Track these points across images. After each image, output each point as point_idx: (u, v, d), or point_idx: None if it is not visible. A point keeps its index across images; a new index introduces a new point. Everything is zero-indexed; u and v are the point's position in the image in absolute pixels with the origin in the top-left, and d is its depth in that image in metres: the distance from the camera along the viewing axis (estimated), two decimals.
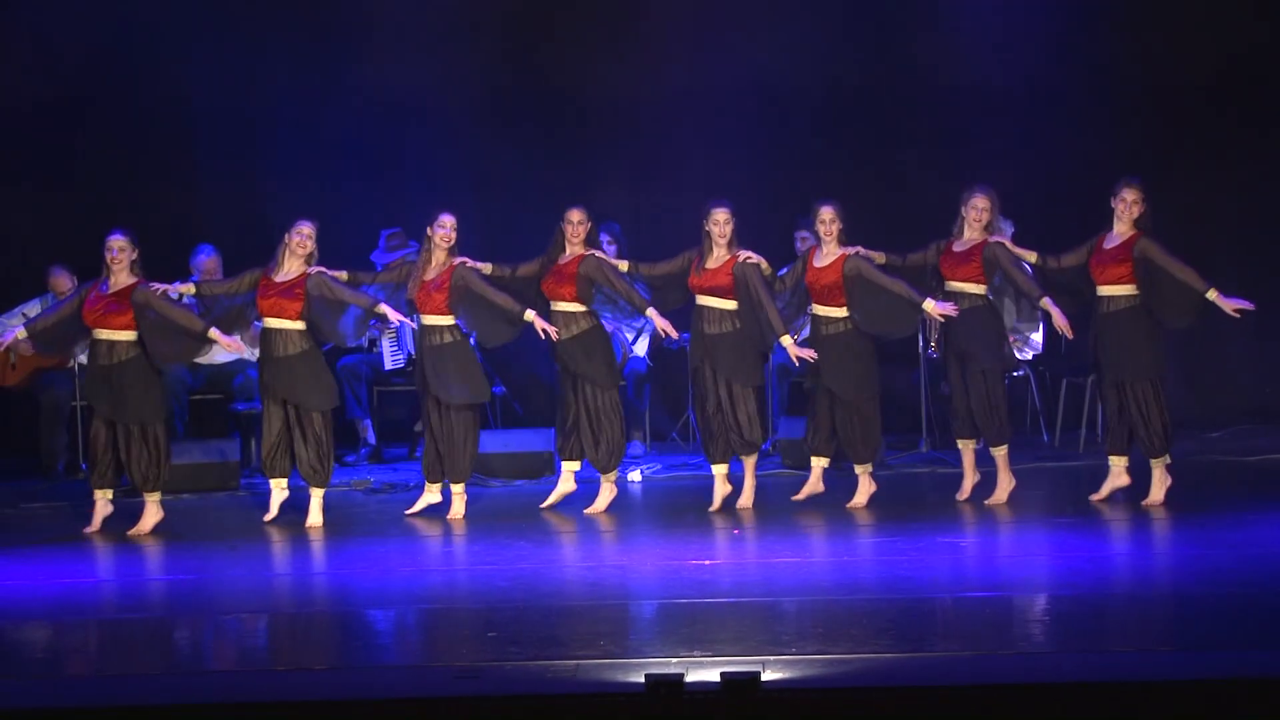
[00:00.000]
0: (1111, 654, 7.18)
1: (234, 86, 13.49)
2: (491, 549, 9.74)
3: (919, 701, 6.49)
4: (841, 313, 10.40)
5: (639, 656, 7.06)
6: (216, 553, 9.91)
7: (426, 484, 10.73)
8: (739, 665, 6.72)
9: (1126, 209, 10.10)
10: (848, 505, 10.48)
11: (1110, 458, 10.39)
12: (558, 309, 10.59)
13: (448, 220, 10.58)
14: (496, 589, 8.64)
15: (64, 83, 13.47)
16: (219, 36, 13.43)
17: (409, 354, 12.10)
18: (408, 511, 10.73)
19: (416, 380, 10.76)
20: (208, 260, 12.41)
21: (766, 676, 6.61)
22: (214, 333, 10.35)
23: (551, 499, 10.79)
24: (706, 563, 9.17)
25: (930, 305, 10.20)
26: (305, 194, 13.23)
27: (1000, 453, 10.49)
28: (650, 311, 10.42)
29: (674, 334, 10.51)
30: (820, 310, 10.48)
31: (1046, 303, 10.16)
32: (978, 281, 10.32)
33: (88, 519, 10.51)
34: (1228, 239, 13.31)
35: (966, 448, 10.59)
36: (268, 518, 10.57)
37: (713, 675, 6.56)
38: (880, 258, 10.40)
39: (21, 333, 10.56)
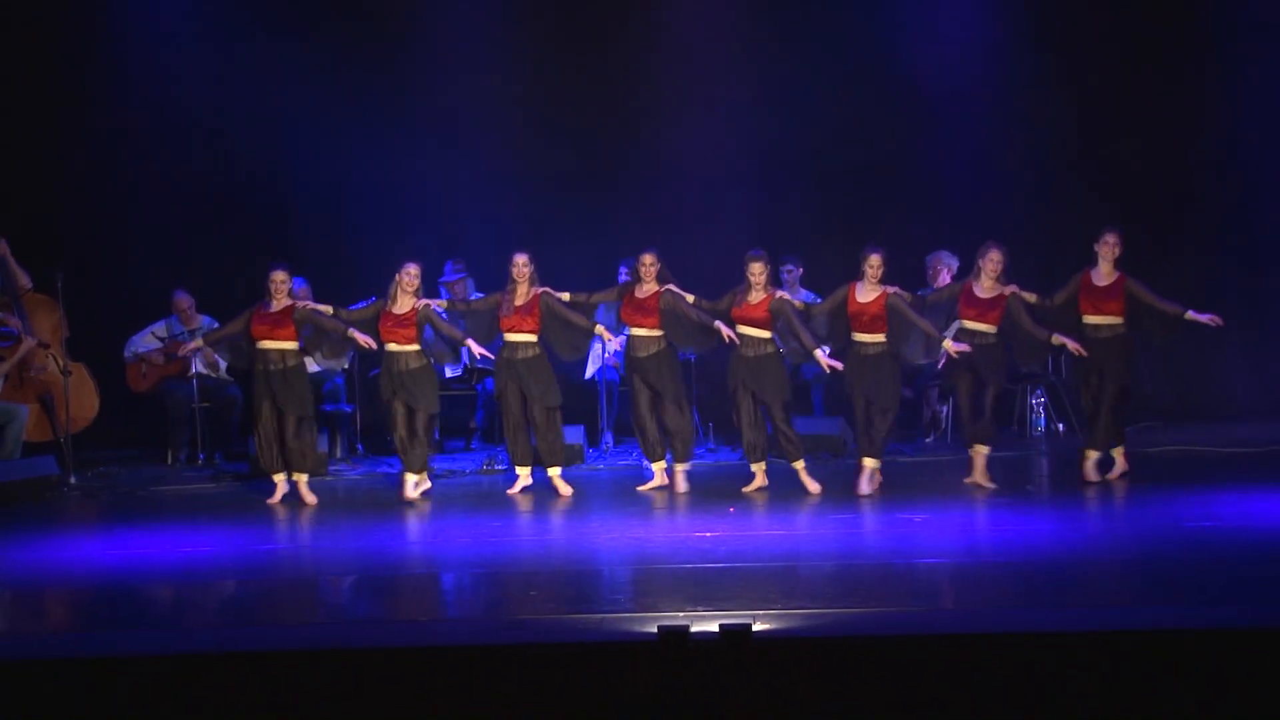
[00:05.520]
0: (1039, 610, 7.18)
1: (325, 150, 13.46)
2: (532, 522, 9.74)
3: (882, 648, 6.51)
4: (882, 338, 10.41)
5: (652, 611, 7.07)
6: (309, 526, 9.92)
7: (519, 469, 10.79)
8: (734, 618, 6.72)
9: (1111, 250, 10.37)
10: (860, 492, 10.36)
11: (1111, 451, 10.53)
12: (639, 334, 10.60)
13: (520, 259, 10.64)
14: (536, 555, 8.65)
15: (194, 148, 13.53)
16: (315, 111, 13.42)
17: (465, 365, 12.11)
18: (510, 491, 10.75)
19: (497, 384, 10.72)
20: (300, 290, 12.37)
21: (757, 628, 6.63)
22: (353, 332, 10.48)
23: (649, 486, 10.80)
24: (708, 534, 9.15)
25: (948, 344, 10.28)
26: (383, 234, 13.26)
27: (984, 450, 10.48)
28: (717, 324, 10.38)
29: (735, 338, 10.43)
30: (863, 337, 10.45)
31: (1058, 338, 10.28)
32: (997, 325, 10.39)
33: (207, 500, 10.59)
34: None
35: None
36: (412, 495, 10.58)
37: (713, 627, 6.58)
38: (908, 296, 10.46)
39: (199, 341, 10.69)
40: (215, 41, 13.45)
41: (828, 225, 13.24)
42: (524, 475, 10.77)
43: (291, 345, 10.52)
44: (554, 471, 10.66)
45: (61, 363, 12.01)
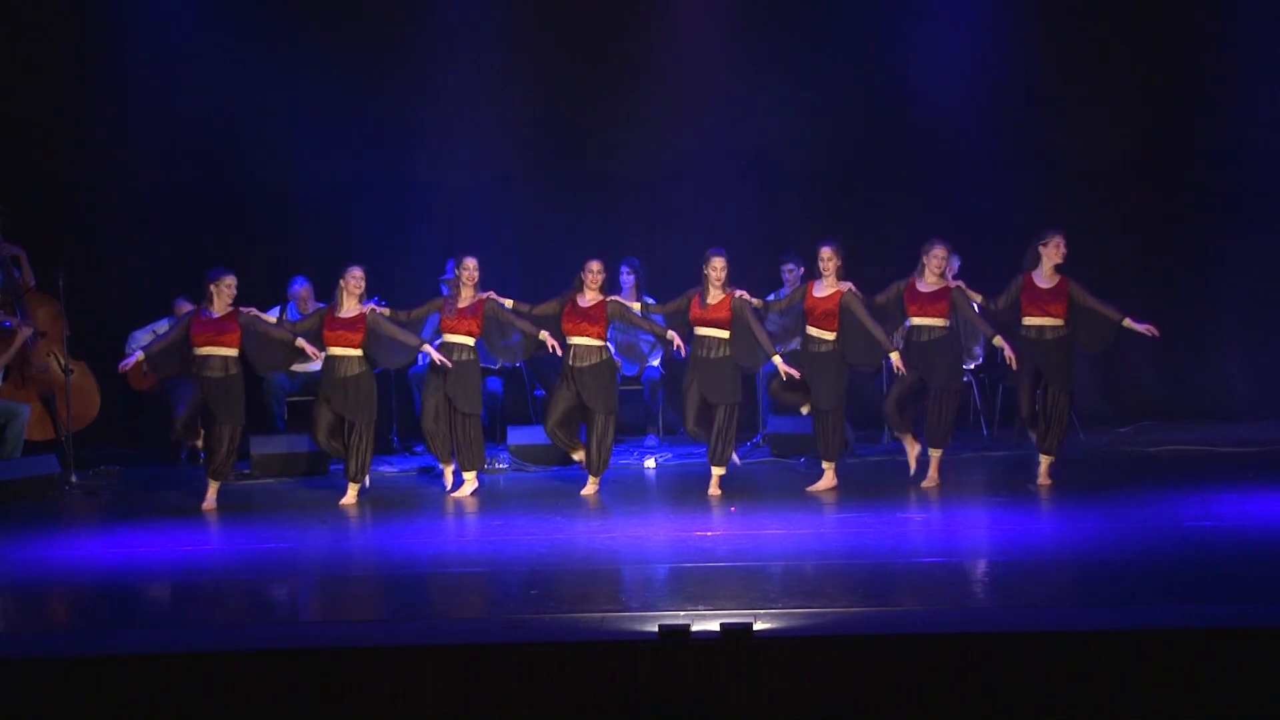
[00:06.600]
0: (1038, 609, 7.19)
1: (326, 153, 13.43)
2: (532, 522, 9.71)
3: (882, 647, 6.50)
4: (831, 335, 10.39)
5: (653, 610, 7.07)
6: (308, 525, 9.91)
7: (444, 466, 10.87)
8: (735, 617, 6.72)
9: (1056, 252, 10.29)
10: (808, 489, 10.47)
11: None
12: (579, 343, 10.53)
13: (470, 262, 10.63)
14: (536, 555, 8.63)
15: (195, 149, 13.49)
16: (316, 115, 13.39)
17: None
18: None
19: (428, 382, 10.76)
20: (302, 289, 12.41)
21: (758, 627, 6.62)
22: (301, 341, 10.44)
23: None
24: (708, 534, 9.16)
25: (895, 356, 10.24)
26: (383, 236, 13.25)
27: (936, 453, 10.50)
28: (670, 333, 10.42)
29: (684, 347, 10.46)
30: (813, 332, 10.45)
31: (999, 340, 10.25)
32: (944, 317, 10.37)
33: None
34: (1130, 280, 13.26)
35: (906, 438, 10.67)
36: (349, 501, 10.58)
37: (713, 626, 6.58)
38: (860, 296, 10.42)
39: (141, 356, 10.60)
40: (216, 41, 13.42)
41: (828, 225, 13.19)
42: (448, 472, 10.82)
43: (234, 352, 10.43)
44: (469, 475, 10.69)
45: (63, 361, 12.01)
